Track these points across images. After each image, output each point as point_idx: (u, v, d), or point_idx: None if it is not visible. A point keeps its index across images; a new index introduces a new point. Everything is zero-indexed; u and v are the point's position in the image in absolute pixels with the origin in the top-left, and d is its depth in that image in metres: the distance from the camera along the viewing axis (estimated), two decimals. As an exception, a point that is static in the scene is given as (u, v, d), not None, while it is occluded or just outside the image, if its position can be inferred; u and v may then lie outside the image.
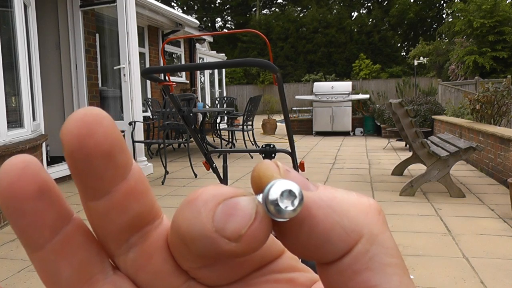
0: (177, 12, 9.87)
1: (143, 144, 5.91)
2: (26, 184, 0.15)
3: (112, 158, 0.15)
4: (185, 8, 36.76)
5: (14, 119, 4.14)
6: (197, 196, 0.15)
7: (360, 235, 0.15)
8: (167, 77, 1.77)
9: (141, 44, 8.59)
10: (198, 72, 11.35)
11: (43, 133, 4.72)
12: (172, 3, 34.48)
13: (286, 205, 0.14)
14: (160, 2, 8.48)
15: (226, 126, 8.69)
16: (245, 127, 7.47)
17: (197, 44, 11.02)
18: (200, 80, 11.62)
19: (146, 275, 0.17)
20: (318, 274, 0.16)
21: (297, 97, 12.34)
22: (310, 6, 33.98)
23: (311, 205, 0.15)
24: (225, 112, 8.54)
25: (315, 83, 11.86)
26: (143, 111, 7.28)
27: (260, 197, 0.15)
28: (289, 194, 0.15)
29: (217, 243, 0.14)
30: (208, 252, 0.15)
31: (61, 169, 4.98)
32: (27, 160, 0.15)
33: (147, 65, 9.15)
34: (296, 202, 0.15)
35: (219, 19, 39.43)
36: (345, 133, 11.07)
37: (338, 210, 0.15)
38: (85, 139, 0.14)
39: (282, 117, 2.10)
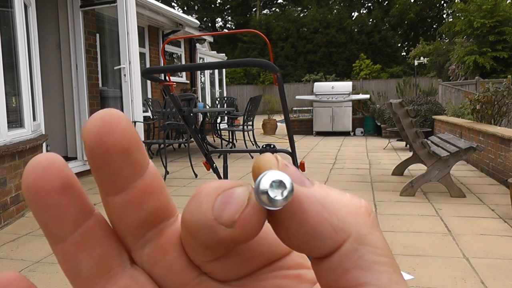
0: (178, 12, 9.85)
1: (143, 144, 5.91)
2: (50, 179, 0.16)
3: (129, 156, 0.16)
4: (185, 8, 36.75)
5: (15, 119, 4.14)
6: (201, 190, 0.16)
7: (348, 235, 0.15)
8: (167, 77, 1.77)
9: (141, 44, 8.59)
10: (199, 72, 11.35)
11: (43, 133, 4.72)
12: (172, 3, 34.49)
13: (275, 195, 0.15)
14: (160, 2, 8.48)
15: (226, 126, 8.68)
16: (245, 127, 7.47)
17: (197, 44, 11.02)
18: (201, 80, 11.62)
19: (160, 269, 0.17)
20: (313, 271, 0.16)
21: (297, 97, 12.33)
22: (310, 6, 33.98)
23: (303, 200, 0.16)
24: (226, 112, 8.54)
25: (316, 83, 11.84)
26: (144, 111, 7.28)
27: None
28: (280, 184, 0.15)
29: (215, 230, 0.15)
30: (210, 241, 0.15)
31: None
32: (52, 157, 0.16)
33: (148, 65, 9.14)
34: (285, 193, 0.15)
35: (219, 19, 39.44)
36: (345, 133, 11.06)
37: (329, 208, 0.16)
38: (104, 137, 0.15)
39: (283, 117, 2.10)
